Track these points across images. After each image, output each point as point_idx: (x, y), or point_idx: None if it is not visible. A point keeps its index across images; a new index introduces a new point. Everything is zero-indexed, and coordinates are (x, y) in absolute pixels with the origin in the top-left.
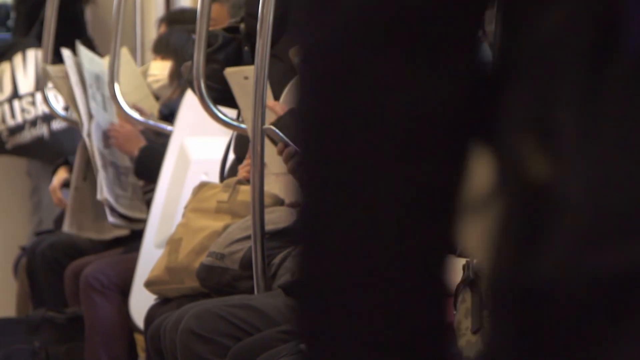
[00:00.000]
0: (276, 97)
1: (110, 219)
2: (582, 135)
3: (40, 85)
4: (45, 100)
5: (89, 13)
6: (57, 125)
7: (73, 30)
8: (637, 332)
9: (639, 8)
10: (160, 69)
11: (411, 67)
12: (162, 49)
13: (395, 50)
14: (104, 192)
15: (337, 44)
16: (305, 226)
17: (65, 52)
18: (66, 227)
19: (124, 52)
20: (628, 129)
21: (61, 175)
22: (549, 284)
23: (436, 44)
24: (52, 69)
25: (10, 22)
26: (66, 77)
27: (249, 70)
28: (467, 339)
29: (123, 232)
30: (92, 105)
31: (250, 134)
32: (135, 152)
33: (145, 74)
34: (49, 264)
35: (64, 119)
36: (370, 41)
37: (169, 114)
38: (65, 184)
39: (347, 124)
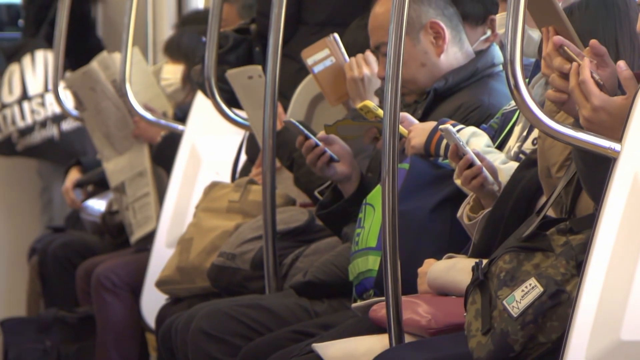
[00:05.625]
0: (287, 96)
1: None
2: None
3: (54, 85)
4: (58, 100)
5: (99, 12)
6: (66, 125)
7: (81, 30)
8: None
9: None
10: (172, 73)
11: None
12: (173, 52)
13: None
14: None
15: None
16: None
17: None
18: None
19: (135, 52)
20: None
21: (73, 175)
22: None
23: None
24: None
25: (21, 22)
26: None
27: (252, 69)
28: (478, 340)
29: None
30: None
31: (259, 133)
32: (157, 139)
33: (157, 73)
34: (60, 264)
35: (76, 118)
36: None
37: (183, 117)
38: (78, 185)
39: None
